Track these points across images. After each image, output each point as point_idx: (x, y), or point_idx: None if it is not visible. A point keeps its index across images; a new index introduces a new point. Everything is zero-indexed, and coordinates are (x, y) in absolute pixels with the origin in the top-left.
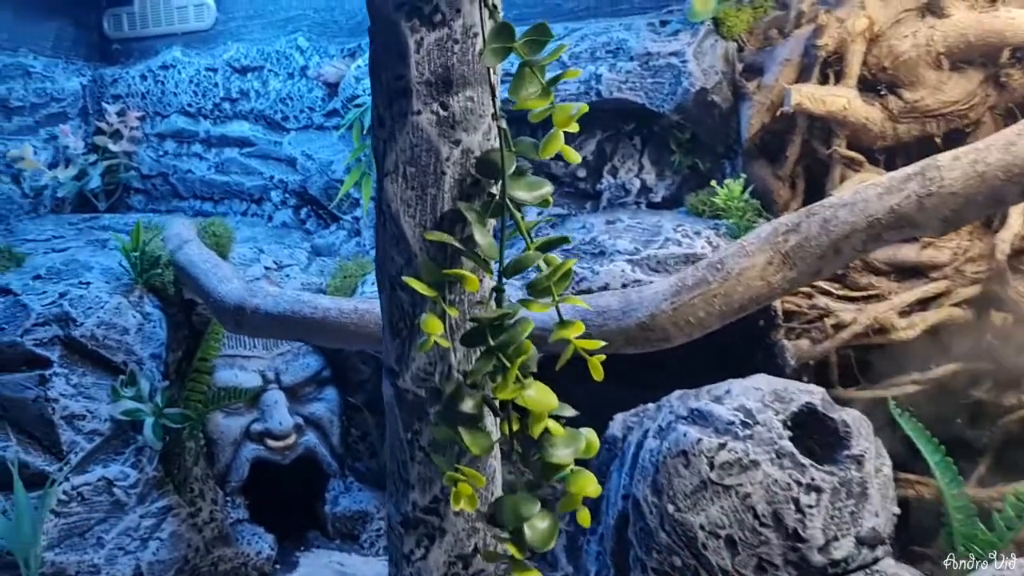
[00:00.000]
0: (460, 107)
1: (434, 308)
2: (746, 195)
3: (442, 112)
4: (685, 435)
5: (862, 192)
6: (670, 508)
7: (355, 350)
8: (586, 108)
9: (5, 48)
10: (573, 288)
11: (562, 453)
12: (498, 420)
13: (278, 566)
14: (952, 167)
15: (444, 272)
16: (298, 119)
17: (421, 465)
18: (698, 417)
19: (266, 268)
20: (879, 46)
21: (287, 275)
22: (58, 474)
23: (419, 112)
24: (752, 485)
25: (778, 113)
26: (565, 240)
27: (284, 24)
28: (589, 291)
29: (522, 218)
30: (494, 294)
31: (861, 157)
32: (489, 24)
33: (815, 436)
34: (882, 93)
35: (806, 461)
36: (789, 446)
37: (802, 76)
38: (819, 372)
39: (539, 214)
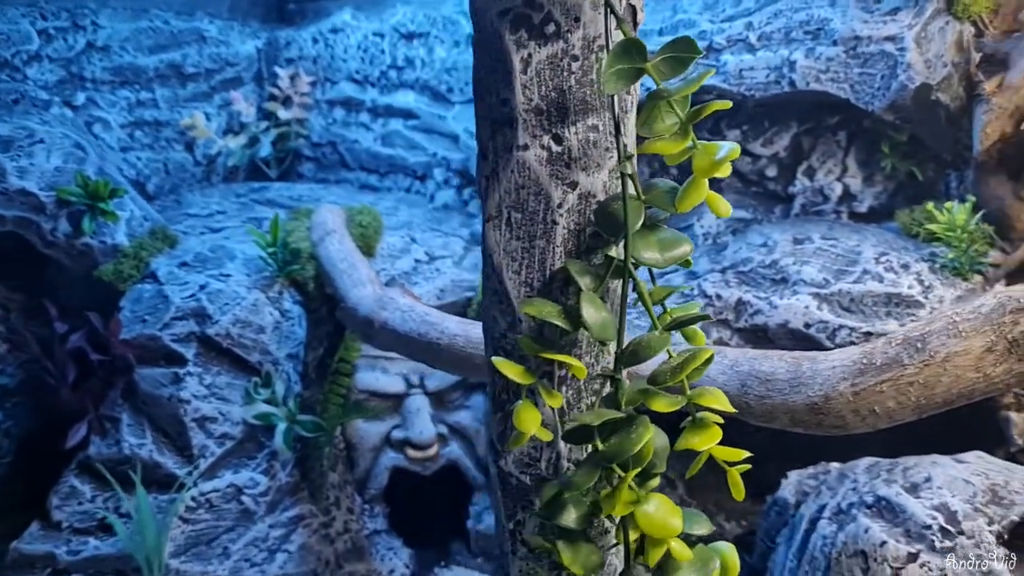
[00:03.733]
0: (579, 140)
1: (531, 397)
2: (975, 221)
3: (555, 147)
4: (867, 531)
5: None
6: None
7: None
8: (738, 152)
9: (181, 13)
10: (746, 320)
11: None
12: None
13: None
14: None
15: (542, 355)
16: (463, 92)
17: (523, 561)
18: (886, 510)
19: (416, 260)
20: None
21: (437, 269)
22: (187, 479)
23: (526, 147)
24: None
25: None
26: (702, 318)
27: None
28: (764, 328)
29: (646, 284)
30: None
31: None
32: (616, 35)
33: None
34: None
35: None
36: (1004, 572)
37: None
38: None
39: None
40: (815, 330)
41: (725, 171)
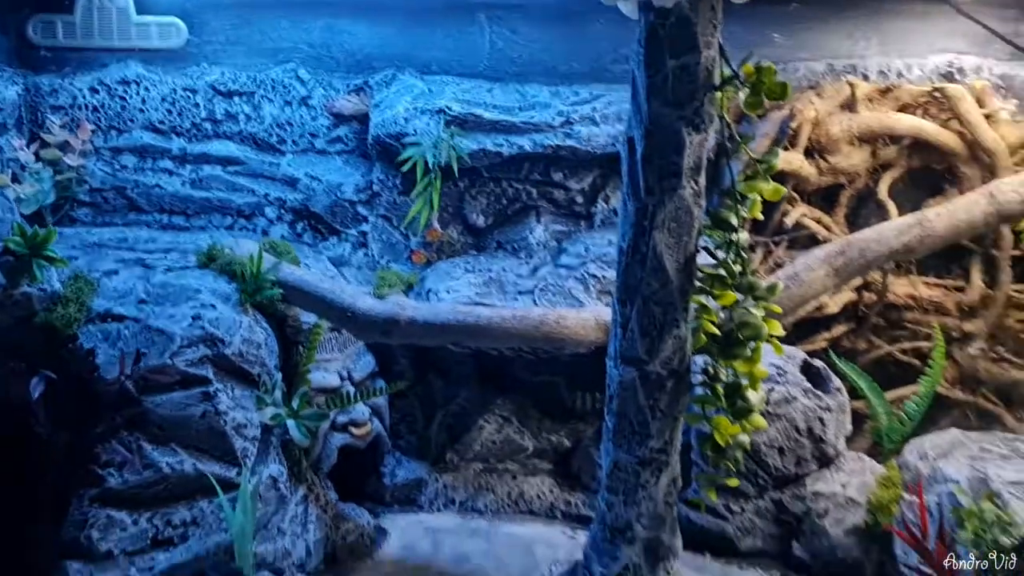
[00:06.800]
0: (702, 184)
1: (704, 317)
2: None
3: (694, 187)
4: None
5: (884, 231)
6: None
7: (475, 348)
8: (783, 190)
9: None
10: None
11: (757, 400)
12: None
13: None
14: (938, 220)
15: (716, 293)
16: (297, 143)
17: (658, 421)
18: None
19: None
20: (819, 128)
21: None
22: (239, 478)
23: (684, 187)
24: (795, 412)
25: None
26: (775, 286)
27: (273, 54)
28: None
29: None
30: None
31: (796, 196)
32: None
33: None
34: (813, 156)
35: (820, 393)
36: (809, 385)
37: (772, 144)
38: None
39: (544, 229)
40: None
41: (777, 196)
